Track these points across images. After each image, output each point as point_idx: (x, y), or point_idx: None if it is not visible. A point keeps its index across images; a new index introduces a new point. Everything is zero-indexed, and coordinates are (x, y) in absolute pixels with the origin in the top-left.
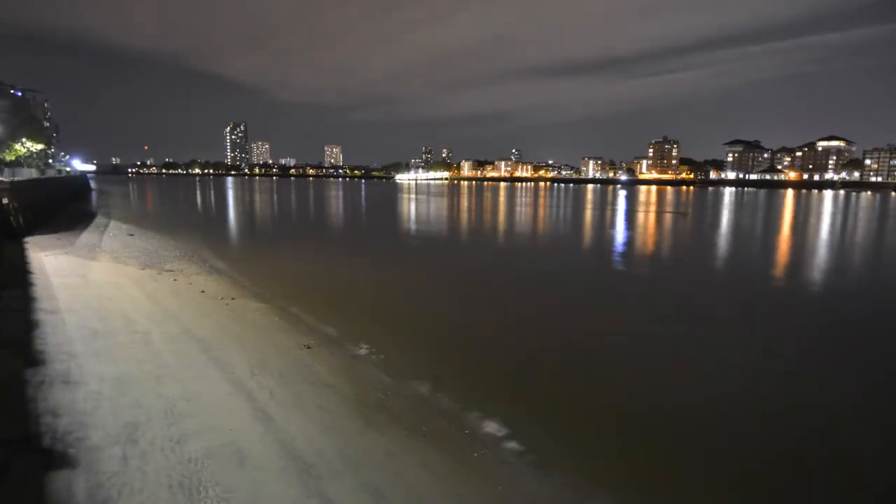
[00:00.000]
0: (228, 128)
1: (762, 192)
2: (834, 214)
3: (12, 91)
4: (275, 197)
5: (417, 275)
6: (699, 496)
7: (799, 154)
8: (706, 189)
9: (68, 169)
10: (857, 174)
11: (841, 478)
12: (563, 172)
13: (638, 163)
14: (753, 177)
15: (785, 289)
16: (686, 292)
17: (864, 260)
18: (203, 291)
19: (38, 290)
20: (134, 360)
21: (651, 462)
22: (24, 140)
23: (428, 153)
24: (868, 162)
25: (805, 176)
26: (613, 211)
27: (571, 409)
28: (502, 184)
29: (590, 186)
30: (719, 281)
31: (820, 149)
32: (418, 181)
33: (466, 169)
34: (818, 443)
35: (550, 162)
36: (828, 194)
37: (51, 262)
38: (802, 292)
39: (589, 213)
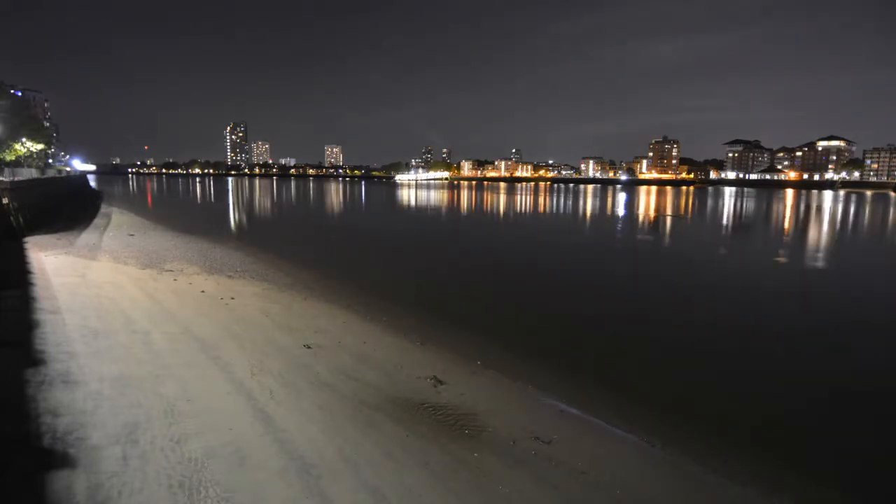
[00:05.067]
0: (229, 128)
1: (762, 191)
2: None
3: (12, 91)
4: (273, 195)
5: (418, 275)
6: None
7: (799, 154)
8: (706, 189)
9: (68, 169)
10: (857, 174)
11: None
12: (563, 172)
13: (638, 162)
14: (753, 177)
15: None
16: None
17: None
18: (203, 291)
19: (38, 290)
20: (134, 359)
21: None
22: (24, 140)
23: (428, 153)
24: (868, 162)
25: (805, 176)
26: (613, 212)
27: (573, 406)
28: (502, 184)
29: (590, 186)
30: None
31: (820, 149)
32: (418, 181)
33: (466, 169)
34: None
35: (550, 162)
36: (828, 194)
37: (51, 262)
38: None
39: (588, 215)
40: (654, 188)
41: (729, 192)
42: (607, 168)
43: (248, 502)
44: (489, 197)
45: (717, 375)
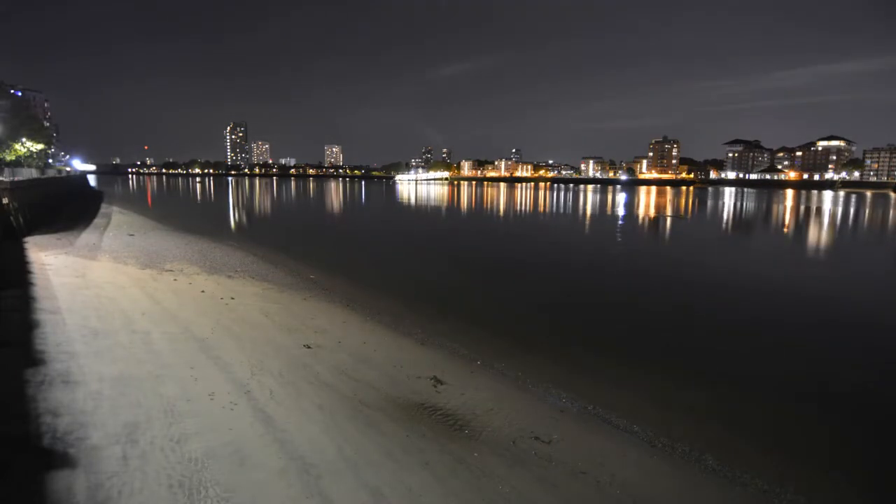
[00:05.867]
0: (229, 128)
1: (762, 191)
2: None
3: (12, 91)
4: (273, 194)
5: (418, 274)
6: None
7: (799, 154)
8: (706, 189)
9: (68, 169)
10: (857, 174)
11: None
12: (563, 172)
13: (638, 162)
14: (753, 176)
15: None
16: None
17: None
18: (203, 291)
19: (38, 290)
20: (134, 359)
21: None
22: (24, 140)
23: (428, 153)
24: (868, 162)
25: (805, 176)
26: (613, 212)
27: (573, 406)
28: (502, 184)
29: (590, 186)
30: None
31: (820, 148)
32: (418, 181)
33: (466, 169)
34: None
35: (550, 162)
36: (827, 194)
37: (51, 262)
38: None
39: (588, 215)
40: (654, 188)
41: (729, 192)
42: (607, 168)
43: (248, 502)
44: (489, 197)
45: (717, 375)
